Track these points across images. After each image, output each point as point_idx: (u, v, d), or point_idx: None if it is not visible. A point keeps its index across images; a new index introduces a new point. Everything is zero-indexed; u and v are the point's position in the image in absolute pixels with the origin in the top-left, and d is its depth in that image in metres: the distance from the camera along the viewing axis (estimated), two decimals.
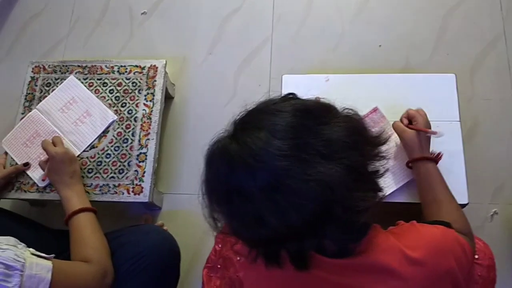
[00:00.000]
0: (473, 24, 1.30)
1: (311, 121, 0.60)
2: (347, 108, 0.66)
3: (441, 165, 0.97)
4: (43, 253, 1.02)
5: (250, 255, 0.70)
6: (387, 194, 0.98)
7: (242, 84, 1.32)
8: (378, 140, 0.69)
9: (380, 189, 0.65)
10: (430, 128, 0.96)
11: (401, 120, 0.98)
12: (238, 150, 0.60)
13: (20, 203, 1.24)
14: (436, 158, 0.97)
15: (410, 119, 0.97)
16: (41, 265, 0.74)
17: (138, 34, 1.42)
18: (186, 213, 1.22)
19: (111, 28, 1.44)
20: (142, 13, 1.44)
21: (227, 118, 1.26)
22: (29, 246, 1.02)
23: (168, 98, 1.30)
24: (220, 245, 1.13)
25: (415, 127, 0.94)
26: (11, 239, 0.76)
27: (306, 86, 1.12)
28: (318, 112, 0.63)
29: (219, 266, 1.12)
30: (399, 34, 1.31)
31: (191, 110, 1.32)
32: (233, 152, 0.61)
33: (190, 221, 1.21)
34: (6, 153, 1.15)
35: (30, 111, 1.18)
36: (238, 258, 0.99)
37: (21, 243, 0.77)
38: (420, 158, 0.93)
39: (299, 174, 0.56)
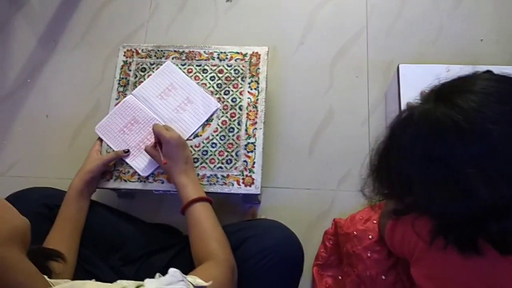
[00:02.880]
0: None
1: None
2: None
3: None
4: (146, 249, 0.96)
5: (436, 241, 0.64)
6: None
7: (337, 75, 1.27)
8: None
9: None
10: None
11: None
12: (446, 111, 0.55)
13: (107, 195, 1.17)
14: None
15: None
16: None
17: (223, 23, 1.37)
18: (284, 208, 1.16)
19: (194, 15, 1.38)
20: (227, 1, 1.38)
21: (325, 108, 1.24)
22: (133, 243, 0.96)
23: None
24: (331, 242, 1.07)
25: None
26: (177, 273, 0.60)
27: (424, 76, 1.07)
28: None
29: (329, 263, 1.07)
30: (502, 29, 1.27)
31: (285, 101, 1.26)
32: (439, 113, 0.56)
33: (290, 216, 1.14)
34: (100, 139, 1.08)
35: (124, 96, 1.11)
36: (369, 255, 0.93)
37: (184, 275, 0.61)
38: None
39: None
